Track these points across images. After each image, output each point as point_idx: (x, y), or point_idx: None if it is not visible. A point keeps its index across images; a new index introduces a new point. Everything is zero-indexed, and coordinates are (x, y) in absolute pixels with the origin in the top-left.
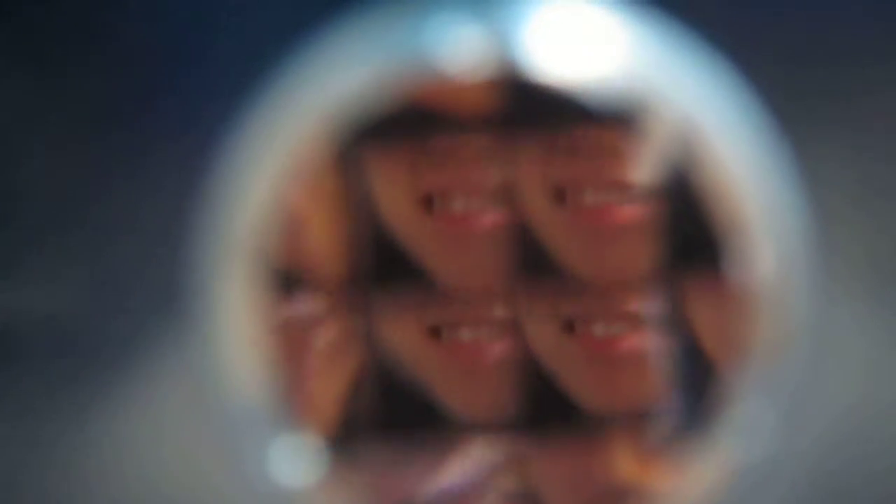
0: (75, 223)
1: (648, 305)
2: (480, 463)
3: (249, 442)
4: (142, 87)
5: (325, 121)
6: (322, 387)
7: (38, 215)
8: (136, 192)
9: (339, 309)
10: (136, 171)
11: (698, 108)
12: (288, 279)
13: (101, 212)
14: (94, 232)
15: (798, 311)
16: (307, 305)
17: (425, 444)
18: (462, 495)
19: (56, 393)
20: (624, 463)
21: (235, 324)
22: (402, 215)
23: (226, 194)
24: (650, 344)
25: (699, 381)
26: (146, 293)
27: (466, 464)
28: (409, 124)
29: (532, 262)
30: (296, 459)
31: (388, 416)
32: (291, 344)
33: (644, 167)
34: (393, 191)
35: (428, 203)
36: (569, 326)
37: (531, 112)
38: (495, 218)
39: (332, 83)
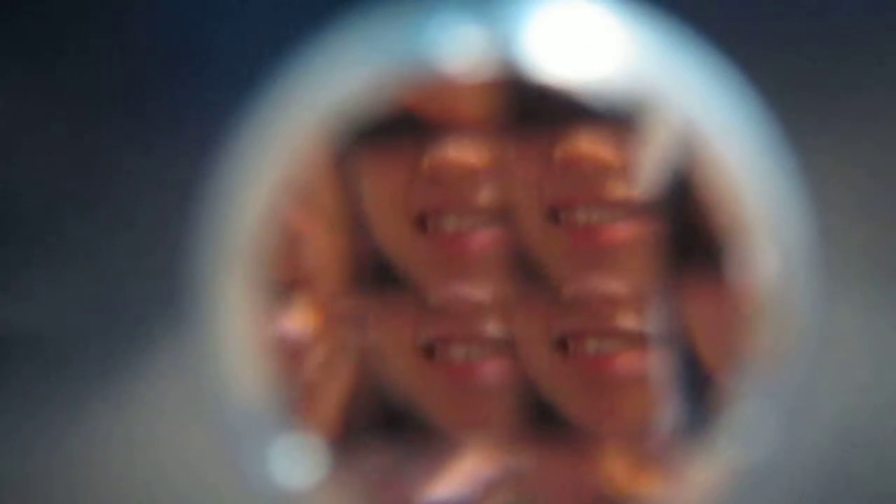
0: (74, 227)
1: (644, 322)
2: (476, 474)
3: (249, 444)
4: (140, 89)
5: (324, 124)
6: (322, 388)
7: (35, 218)
8: (135, 196)
9: (336, 314)
10: (135, 175)
11: (699, 108)
12: (286, 283)
13: (102, 215)
14: (93, 235)
15: (800, 313)
16: (306, 308)
17: (424, 449)
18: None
19: (56, 396)
20: (620, 471)
21: (235, 326)
22: (395, 233)
23: (224, 198)
24: (646, 361)
25: (699, 387)
26: (145, 296)
27: (463, 474)
28: (407, 131)
29: (525, 279)
30: (296, 461)
31: (383, 426)
32: (291, 346)
33: (644, 169)
34: (387, 209)
35: (421, 222)
36: (562, 345)
37: (532, 113)
38: (489, 236)
39: (331, 85)
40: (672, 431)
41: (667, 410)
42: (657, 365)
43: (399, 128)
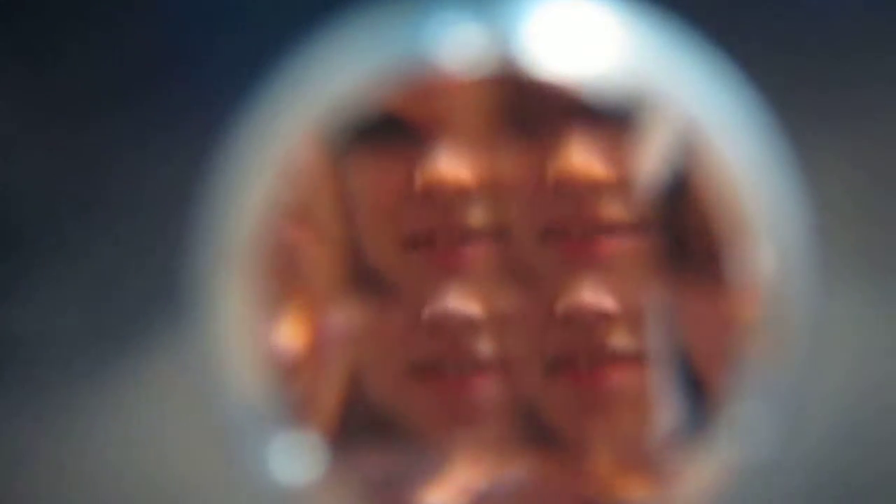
0: (71, 226)
1: (640, 339)
2: (470, 484)
3: (248, 442)
4: (136, 89)
5: (321, 123)
6: (320, 386)
7: (32, 217)
8: (132, 195)
9: (327, 325)
10: (132, 174)
11: (699, 106)
12: (282, 283)
13: (99, 214)
14: (90, 234)
15: (798, 312)
16: (306, 304)
17: (420, 450)
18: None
19: (52, 396)
20: (614, 476)
21: (233, 325)
22: (386, 249)
23: (222, 198)
24: (642, 378)
25: (696, 388)
26: (143, 295)
27: (457, 482)
28: (401, 137)
29: (518, 295)
30: (294, 459)
31: (378, 429)
32: (290, 341)
33: (643, 168)
34: (378, 225)
35: (413, 240)
36: (555, 363)
37: (529, 112)
38: (481, 253)
39: (328, 84)
40: (669, 435)
41: (663, 418)
42: (653, 378)
43: (394, 134)
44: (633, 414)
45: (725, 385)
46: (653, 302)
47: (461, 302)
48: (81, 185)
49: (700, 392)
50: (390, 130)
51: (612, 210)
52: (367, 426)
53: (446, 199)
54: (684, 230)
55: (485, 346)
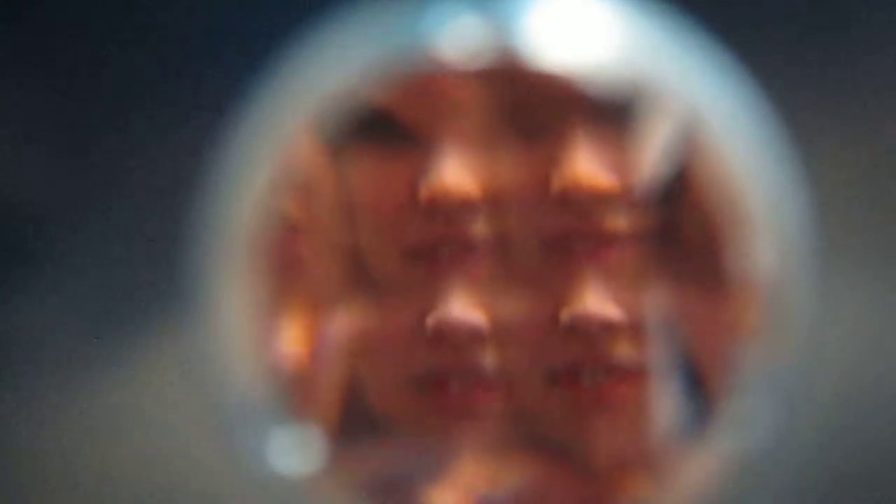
0: (72, 222)
1: (643, 351)
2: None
3: (248, 433)
4: (134, 85)
5: (320, 117)
6: (321, 382)
7: (32, 214)
8: (132, 190)
9: (335, 303)
10: (131, 170)
11: (699, 97)
12: (283, 280)
13: (99, 210)
14: (91, 230)
15: (798, 304)
16: (306, 290)
17: (420, 447)
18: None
19: (53, 390)
20: (616, 473)
21: (234, 315)
22: (387, 259)
23: (221, 192)
24: (644, 390)
25: (697, 381)
26: (143, 288)
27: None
28: (402, 141)
29: (520, 306)
30: (294, 451)
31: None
32: (290, 342)
33: (644, 161)
34: (380, 236)
35: (415, 250)
36: (557, 372)
37: (531, 106)
38: (483, 264)
39: (327, 78)
40: (669, 432)
41: (663, 416)
42: (654, 380)
43: (396, 139)
44: (633, 417)
45: (725, 381)
46: (654, 307)
47: (464, 311)
48: (81, 185)
49: (700, 388)
50: (392, 135)
51: (615, 219)
52: (367, 424)
53: (449, 209)
54: (684, 226)
55: (488, 356)
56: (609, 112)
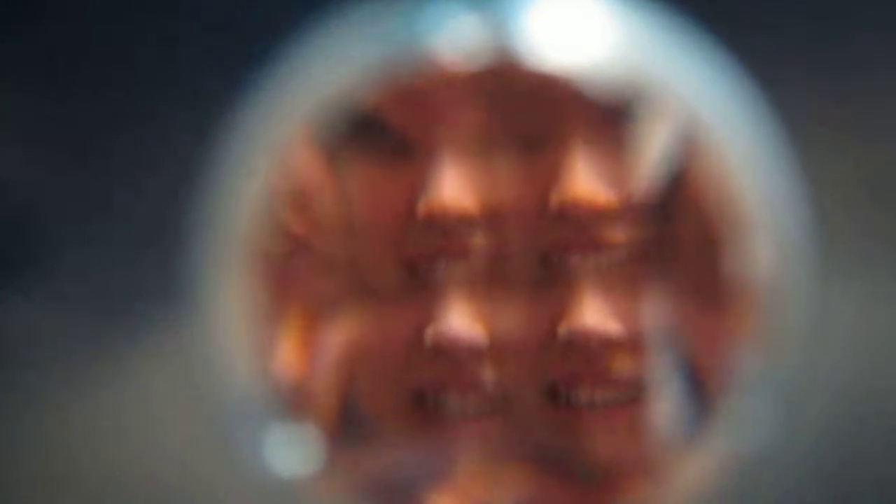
0: (71, 221)
1: (642, 367)
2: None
3: (246, 432)
4: (133, 85)
5: (319, 117)
6: (319, 383)
7: (34, 211)
8: (131, 191)
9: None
10: (130, 170)
11: (697, 97)
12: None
13: (99, 210)
14: (90, 229)
15: (796, 304)
16: (303, 295)
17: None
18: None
19: (51, 389)
20: (615, 472)
21: (232, 318)
22: (386, 272)
23: (220, 191)
24: (643, 410)
25: (696, 382)
26: (142, 289)
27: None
28: (403, 150)
29: (517, 323)
30: (292, 451)
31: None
32: (288, 334)
33: (642, 168)
34: (378, 250)
35: (413, 267)
36: (553, 392)
37: (527, 110)
38: (480, 280)
39: (326, 77)
40: (667, 434)
41: (663, 417)
42: (654, 392)
43: (395, 150)
44: (631, 423)
45: (724, 383)
46: (653, 316)
47: (462, 325)
48: (81, 188)
49: (699, 390)
50: (390, 145)
51: (613, 232)
52: (364, 428)
53: (448, 223)
54: (681, 233)
55: (486, 369)
56: (607, 113)
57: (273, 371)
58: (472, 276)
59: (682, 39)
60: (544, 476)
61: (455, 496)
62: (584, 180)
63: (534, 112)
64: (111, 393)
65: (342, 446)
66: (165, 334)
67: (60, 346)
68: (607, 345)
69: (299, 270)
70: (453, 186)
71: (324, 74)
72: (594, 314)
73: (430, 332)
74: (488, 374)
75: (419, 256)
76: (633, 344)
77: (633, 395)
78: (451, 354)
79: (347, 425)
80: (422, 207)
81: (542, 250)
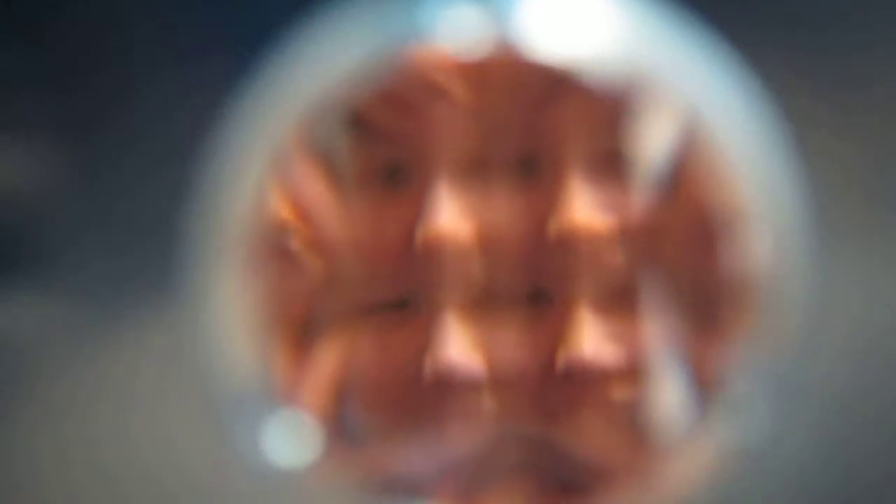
0: (65, 212)
1: (639, 389)
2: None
3: (243, 423)
4: (128, 79)
5: (314, 109)
6: (316, 367)
7: (29, 202)
8: (128, 183)
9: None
10: (125, 161)
11: (698, 92)
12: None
13: (94, 200)
14: (85, 221)
15: (796, 295)
16: (300, 286)
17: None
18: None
19: (47, 378)
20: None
21: (228, 305)
22: (381, 302)
23: (215, 182)
24: (640, 447)
25: (695, 375)
26: (137, 279)
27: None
28: (401, 176)
29: (515, 351)
30: (289, 441)
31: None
32: (285, 319)
33: (644, 153)
34: (376, 282)
35: (410, 296)
36: (553, 416)
37: (525, 91)
38: (477, 309)
39: (323, 69)
40: (668, 420)
41: (662, 405)
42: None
43: (389, 169)
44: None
45: (722, 378)
46: (652, 338)
47: (460, 355)
48: (77, 179)
49: (697, 385)
50: (387, 168)
51: (611, 259)
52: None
53: (444, 253)
54: (682, 213)
55: (484, 399)
56: (605, 101)
57: (269, 367)
58: (469, 303)
59: (682, 32)
60: (538, 484)
61: (450, 499)
62: (582, 206)
63: (530, 126)
64: (108, 386)
65: (338, 439)
66: (163, 325)
67: (57, 340)
68: (605, 373)
69: (294, 285)
70: (450, 213)
71: (319, 70)
72: (592, 342)
73: (428, 362)
74: (486, 403)
75: (415, 284)
76: (631, 369)
77: (632, 417)
78: (449, 384)
79: (343, 420)
80: (419, 238)
81: (540, 277)
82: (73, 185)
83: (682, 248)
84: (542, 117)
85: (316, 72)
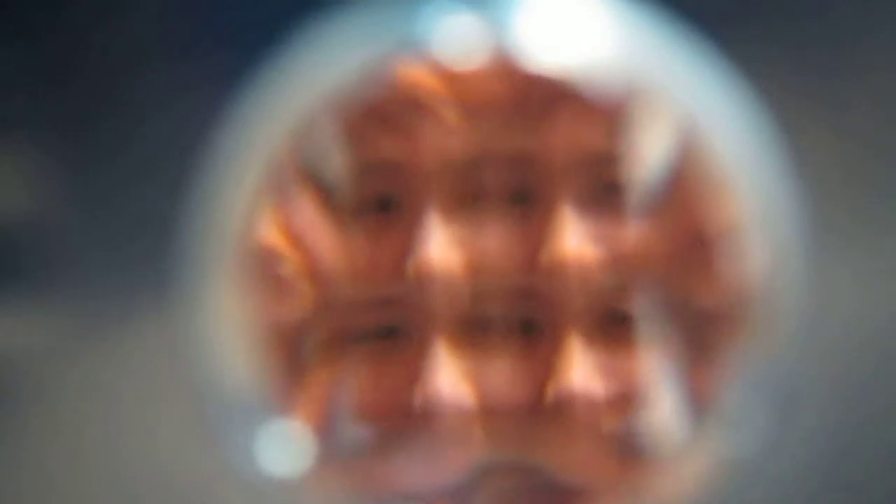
0: (63, 213)
1: (630, 419)
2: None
3: (237, 431)
4: (126, 79)
5: (307, 120)
6: (310, 375)
7: (25, 206)
8: (125, 182)
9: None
10: (124, 163)
11: (693, 99)
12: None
13: (90, 204)
14: (82, 223)
15: (792, 304)
16: (290, 312)
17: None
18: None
19: (43, 379)
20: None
21: (223, 313)
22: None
23: (214, 185)
24: (630, 467)
25: (690, 384)
26: (133, 283)
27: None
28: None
29: (505, 384)
30: (282, 449)
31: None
32: (280, 333)
33: (639, 161)
34: (363, 309)
35: (400, 326)
36: (543, 445)
37: (519, 111)
38: (468, 340)
39: (323, 74)
40: (662, 430)
41: (657, 414)
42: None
43: (380, 199)
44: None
45: (718, 384)
46: (646, 371)
47: (450, 387)
48: (72, 182)
49: (693, 394)
50: (378, 199)
51: (602, 291)
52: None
53: (435, 285)
54: (678, 222)
55: (474, 429)
56: (601, 110)
57: (265, 365)
58: (460, 333)
59: (677, 39)
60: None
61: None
62: (573, 236)
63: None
64: (102, 395)
65: (331, 449)
66: (159, 332)
67: (50, 347)
68: (594, 404)
69: (284, 311)
70: (440, 243)
71: (313, 80)
72: (582, 373)
73: (418, 395)
74: (475, 432)
75: (406, 313)
76: (622, 399)
77: (622, 446)
78: (437, 413)
79: (336, 431)
80: (410, 269)
81: (530, 307)
82: (69, 185)
83: (676, 266)
84: (535, 144)
85: (310, 80)
